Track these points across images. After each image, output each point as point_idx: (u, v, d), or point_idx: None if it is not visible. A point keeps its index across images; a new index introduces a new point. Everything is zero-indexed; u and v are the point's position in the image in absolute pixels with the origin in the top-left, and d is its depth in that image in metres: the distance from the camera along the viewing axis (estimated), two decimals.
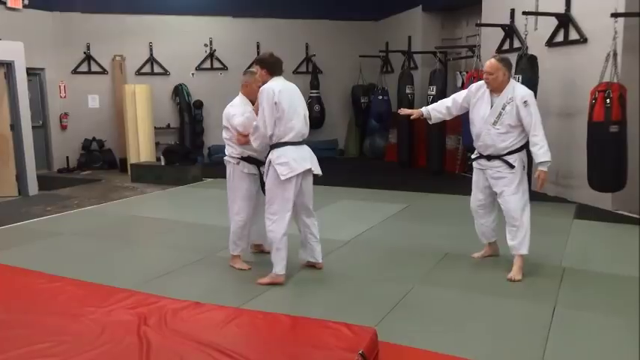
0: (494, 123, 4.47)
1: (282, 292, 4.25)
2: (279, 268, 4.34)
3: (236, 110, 4.71)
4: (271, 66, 4.47)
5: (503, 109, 4.44)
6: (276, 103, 4.25)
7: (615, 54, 6.06)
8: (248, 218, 4.70)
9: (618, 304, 3.98)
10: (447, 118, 4.98)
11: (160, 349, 2.79)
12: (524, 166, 4.58)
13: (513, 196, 4.51)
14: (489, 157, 4.57)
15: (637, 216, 6.40)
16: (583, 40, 6.95)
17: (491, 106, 4.49)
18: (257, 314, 3.30)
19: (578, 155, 6.78)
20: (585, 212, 6.61)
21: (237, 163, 4.69)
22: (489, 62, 4.46)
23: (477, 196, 4.78)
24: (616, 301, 4.04)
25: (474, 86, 4.69)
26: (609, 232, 5.92)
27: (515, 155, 4.51)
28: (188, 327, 3.05)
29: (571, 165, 7.20)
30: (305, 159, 4.36)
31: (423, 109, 4.90)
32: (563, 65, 7.30)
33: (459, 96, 4.76)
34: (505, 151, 4.49)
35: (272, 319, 3.19)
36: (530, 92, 4.52)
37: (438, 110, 4.83)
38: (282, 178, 4.24)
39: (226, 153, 4.79)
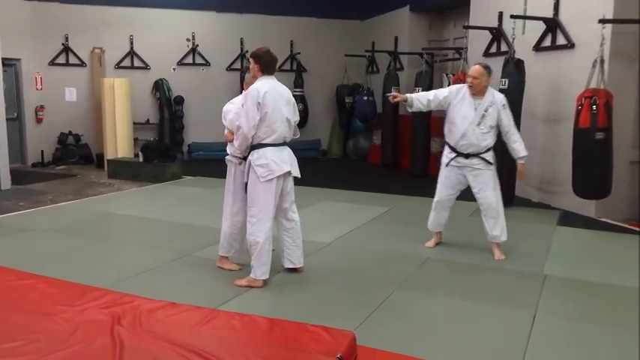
0: (479, 124, 5.03)
1: (260, 294, 4.25)
2: (259, 272, 4.32)
3: (233, 107, 4.71)
4: (265, 63, 4.48)
5: (486, 111, 5.03)
6: (259, 104, 4.24)
7: (602, 60, 6.15)
8: (246, 219, 4.67)
9: (599, 312, 4.04)
10: (424, 110, 5.48)
11: (134, 349, 2.78)
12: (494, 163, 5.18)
13: (493, 192, 5.13)
14: (468, 156, 5.09)
15: (621, 224, 6.50)
16: (570, 45, 7.03)
17: (475, 109, 5.02)
18: (234, 316, 3.29)
19: (563, 161, 6.86)
20: (569, 219, 6.69)
21: (240, 164, 4.67)
22: (475, 68, 5.03)
23: (447, 191, 5.27)
24: (597, 309, 4.10)
25: (454, 88, 5.20)
26: (592, 240, 6.00)
27: (490, 153, 5.12)
28: (163, 327, 3.03)
29: (556, 171, 7.29)
30: (285, 161, 4.37)
31: (408, 95, 5.28)
32: (550, 70, 7.38)
33: (441, 93, 5.21)
34: (484, 150, 5.07)
35: (249, 321, 3.18)
36: (504, 97, 5.23)
37: (420, 100, 5.24)
38: (262, 180, 4.25)
39: (228, 152, 4.81)
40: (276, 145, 4.34)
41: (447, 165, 5.21)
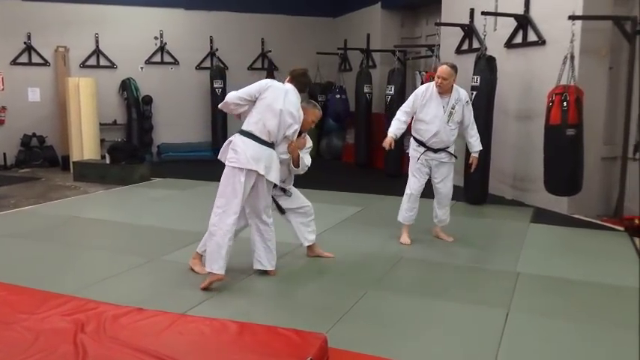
0: (448, 121, 5.36)
1: (230, 297, 4.21)
2: (216, 266, 4.21)
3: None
4: (299, 85, 4.70)
5: (453, 108, 5.36)
6: (260, 89, 4.43)
7: (573, 57, 6.24)
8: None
9: (572, 309, 4.10)
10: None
11: (97, 357, 2.74)
12: None
13: (451, 183, 5.60)
14: (436, 150, 5.43)
15: (593, 220, 6.61)
16: (541, 42, 7.13)
17: (443, 107, 5.34)
18: (203, 320, 3.27)
19: (535, 158, 6.96)
20: (541, 216, 6.78)
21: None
22: (444, 69, 5.27)
23: (420, 183, 5.56)
24: (570, 306, 4.15)
25: (419, 92, 5.47)
26: (565, 237, 6.08)
27: (453, 146, 5.51)
28: (128, 334, 2.99)
29: (528, 168, 7.38)
30: (258, 160, 4.32)
31: (392, 135, 5.48)
32: (521, 67, 7.47)
33: (408, 107, 5.49)
34: (450, 144, 5.46)
35: (218, 326, 3.17)
36: (467, 92, 5.60)
37: (401, 128, 5.52)
38: (227, 163, 4.33)
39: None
40: (260, 140, 4.33)
41: (418, 160, 5.48)
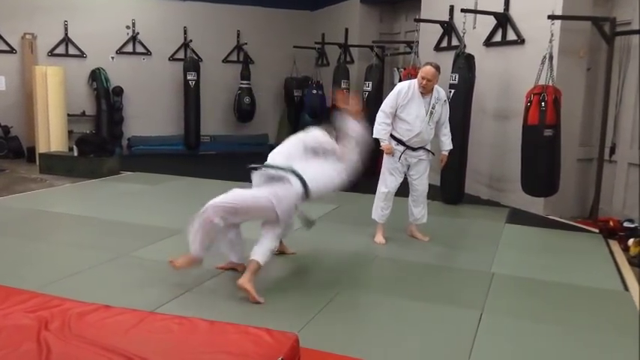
0: (428, 122, 5.44)
1: (201, 295, 4.20)
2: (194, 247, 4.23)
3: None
4: None
5: (433, 108, 5.43)
6: None
7: (551, 56, 6.33)
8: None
9: (546, 310, 4.17)
10: None
11: (61, 355, 2.70)
12: None
13: (427, 179, 5.70)
14: (415, 149, 5.51)
15: (568, 221, 6.72)
16: (520, 41, 7.21)
17: (425, 107, 5.39)
18: (172, 318, 3.24)
19: (512, 159, 7.04)
20: (517, 217, 6.87)
21: None
22: (428, 69, 5.30)
23: (397, 182, 5.62)
24: (544, 307, 4.22)
25: (401, 90, 5.44)
26: (540, 238, 6.18)
27: (430, 143, 5.61)
28: (94, 332, 2.95)
29: (505, 168, 7.47)
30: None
31: (386, 142, 5.49)
32: (500, 66, 7.55)
33: (390, 107, 5.45)
34: (428, 142, 5.57)
35: (188, 324, 3.14)
36: (445, 91, 5.74)
37: (388, 131, 5.51)
38: None
39: None
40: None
41: (400, 158, 5.52)
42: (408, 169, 5.62)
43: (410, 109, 5.38)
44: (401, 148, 5.51)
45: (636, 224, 6.12)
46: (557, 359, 3.41)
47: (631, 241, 5.55)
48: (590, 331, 3.82)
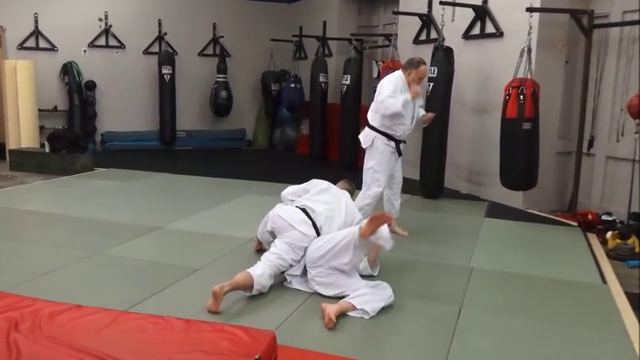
0: (413, 112, 5.61)
1: (175, 293, 4.18)
2: None
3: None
4: None
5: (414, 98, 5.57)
6: None
7: (530, 49, 6.38)
8: None
9: (525, 304, 4.22)
10: None
11: (32, 356, 2.67)
12: None
13: (401, 170, 5.83)
14: (400, 142, 5.61)
15: (547, 215, 6.80)
16: (499, 33, 7.27)
17: (410, 100, 5.47)
18: (146, 317, 3.22)
19: (491, 152, 7.10)
20: (496, 211, 6.93)
21: None
22: (425, 69, 5.57)
23: (387, 180, 5.65)
24: (523, 301, 4.27)
25: (398, 84, 5.44)
26: (519, 231, 6.24)
27: None
28: (66, 332, 2.93)
29: (484, 162, 7.53)
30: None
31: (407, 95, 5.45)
32: (478, 59, 7.60)
33: (392, 92, 5.38)
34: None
35: (162, 323, 3.12)
36: None
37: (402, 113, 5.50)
38: None
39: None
40: None
41: (388, 152, 5.57)
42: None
43: (404, 104, 5.42)
44: (393, 143, 5.55)
45: (614, 217, 6.21)
46: (536, 353, 3.45)
47: (609, 234, 5.63)
48: (569, 324, 3.86)
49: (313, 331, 3.61)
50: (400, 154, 5.67)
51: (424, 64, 5.47)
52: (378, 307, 3.85)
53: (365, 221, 4.07)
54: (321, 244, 4.18)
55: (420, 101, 5.80)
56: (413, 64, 5.45)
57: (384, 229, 4.06)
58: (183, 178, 8.86)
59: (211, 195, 7.53)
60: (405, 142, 5.69)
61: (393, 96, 5.35)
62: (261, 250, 4.87)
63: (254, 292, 4.02)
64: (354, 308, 3.80)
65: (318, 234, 4.31)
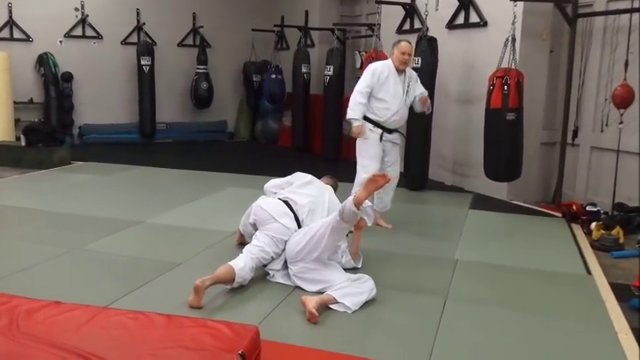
0: (405, 100, 5.58)
1: (157, 289, 4.17)
2: None
3: None
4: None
5: (408, 86, 5.57)
6: None
7: (514, 39, 6.41)
8: None
9: (509, 296, 4.26)
10: None
11: (9, 355, 2.65)
12: None
13: (399, 164, 5.89)
14: (391, 131, 5.60)
15: (532, 206, 6.86)
16: (483, 23, 7.30)
17: (401, 85, 5.51)
18: (126, 313, 3.20)
19: (475, 143, 7.14)
20: (481, 202, 6.98)
21: None
22: (405, 44, 5.49)
23: (379, 165, 5.60)
24: (507, 293, 4.31)
25: (377, 71, 5.50)
26: (504, 223, 6.30)
27: (405, 126, 5.82)
28: (44, 329, 2.91)
29: (468, 153, 7.57)
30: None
31: (360, 122, 5.51)
32: (463, 49, 7.63)
33: (367, 87, 5.47)
34: (403, 124, 5.73)
35: (143, 319, 3.11)
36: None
37: (363, 111, 5.52)
38: None
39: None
40: None
41: (381, 140, 5.58)
42: (384, 154, 5.65)
43: (387, 88, 5.47)
44: (379, 130, 5.56)
45: (598, 208, 6.28)
46: (521, 344, 3.49)
47: (593, 225, 5.69)
48: (553, 315, 3.90)
49: (297, 325, 3.62)
50: (396, 145, 5.70)
51: (406, 41, 5.52)
52: (360, 301, 3.85)
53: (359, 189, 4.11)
54: (300, 237, 4.19)
55: (419, 89, 5.72)
56: (395, 44, 5.56)
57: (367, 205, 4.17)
58: (163, 171, 8.82)
59: (192, 188, 7.50)
60: (398, 132, 5.70)
61: (361, 91, 5.44)
62: (243, 243, 4.87)
63: (235, 284, 4.03)
64: (334, 301, 3.81)
65: (300, 227, 4.31)
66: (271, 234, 4.26)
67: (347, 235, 4.56)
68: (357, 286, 3.94)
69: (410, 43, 5.56)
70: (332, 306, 3.80)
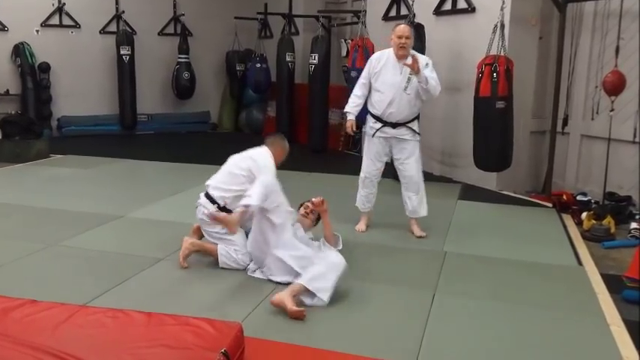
0: (405, 88, 5.07)
1: (136, 286, 4.12)
2: None
3: None
4: None
5: (410, 74, 5.00)
6: None
7: (503, 25, 6.39)
8: None
9: (499, 287, 4.26)
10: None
11: None
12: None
13: (417, 164, 5.32)
14: (395, 125, 5.17)
15: (521, 196, 6.87)
16: (471, 9, 7.28)
17: (401, 72, 5.05)
18: (105, 311, 3.17)
19: (464, 133, 7.12)
20: (470, 193, 6.99)
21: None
22: (404, 27, 5.09)
23: (375, 165, 5.37)
24: (497, 285, 4.31)
25: (373, 60, 5.24)
26: (493, 214, 6.31)
27: (417, 122, 5.28)
28: (20, 329, 2.87)
29: (457, 143, 7.56)
30: None
31: (352, 116, 5.32)
32: (450, 35, 7.61)
33: (363, 78, 5.25)
34: (412, 117, 5.21)
35: (122, 317, 3.08)
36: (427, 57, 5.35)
37: (358, 104, 5.30)
38: None
39: None
40: None
41: (373, 136, 5.29)
42: (393, 151, 5.33)
43: (385, 77, 5.13)
44: (378, 125, 5.24)
45: (589, 197, 6.30)
46: (511, 337, 3.49)
47: (584, 215, 5.71)
48: (544, 307, 3.91)
49: (282, 321, 3.59)
50: (405, 142, 5.24)
51: (403, 25, 5.20)
52: (329, 286, 3.79)
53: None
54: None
55: (424, 74, 4.96)
56: (392, 29, 5.21)
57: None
58: (144, 164, 8.75)
59: (175, 181, 7.45)
60: (406, 126, 5.20)
61: (360, 82, 5.27)
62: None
63: (221, 264, 4.38)
64: (304, 288, 3.77)
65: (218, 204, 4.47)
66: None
67: (315, 225, 4.71)
68: (320, 263, 3.91)
69: (408, 26, 5.20)
70: (306, 301, 3.77)
